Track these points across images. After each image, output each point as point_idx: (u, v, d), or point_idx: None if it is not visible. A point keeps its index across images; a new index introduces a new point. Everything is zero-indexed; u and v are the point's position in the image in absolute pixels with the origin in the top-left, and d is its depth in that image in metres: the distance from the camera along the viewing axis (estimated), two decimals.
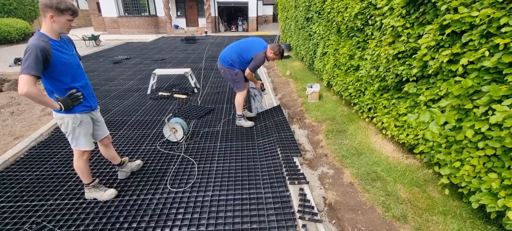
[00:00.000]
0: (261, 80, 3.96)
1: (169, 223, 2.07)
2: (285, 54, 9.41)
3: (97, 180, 2.33)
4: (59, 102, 1.80)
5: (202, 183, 2.57)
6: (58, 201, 2.30)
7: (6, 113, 4.29)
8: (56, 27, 1.73)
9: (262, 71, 7.22)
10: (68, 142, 3.34)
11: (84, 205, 2.25)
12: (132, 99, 5.01)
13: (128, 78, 6.60)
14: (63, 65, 1.80)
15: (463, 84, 1.85)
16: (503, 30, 1.61)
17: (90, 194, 2.30)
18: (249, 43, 3.51)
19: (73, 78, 1.91)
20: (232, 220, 2.11)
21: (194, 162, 2.91)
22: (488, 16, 1.68)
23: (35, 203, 2.28)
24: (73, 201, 2.31)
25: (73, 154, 3.04)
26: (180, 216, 2.14)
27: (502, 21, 1.61)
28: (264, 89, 3.98)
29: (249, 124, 3.87)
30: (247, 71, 3.52)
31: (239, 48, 3.50)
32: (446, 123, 2.04)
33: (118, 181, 2.60)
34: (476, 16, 1.74)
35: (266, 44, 3.52)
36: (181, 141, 3.34)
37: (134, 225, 2.05)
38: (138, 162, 2.80)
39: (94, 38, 12.21)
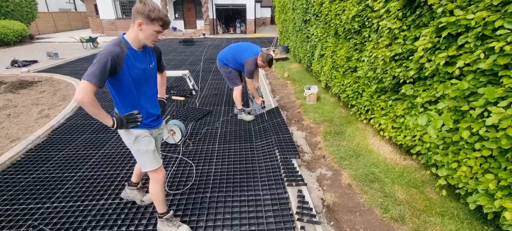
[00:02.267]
0: (262, 98, 4.12)
1: None
2: (283, 56, 9.44)
3: (171, 213, 2.01)
4: (114, 118, 1.61)
5: (201, 185, 2.56)
6: (55, 204, 2.28)
7: (2, 116, 4.26)
8: (142, 36, 1.55)
9: (260, 72, 7.22)
10: (65, 144, 3.34)
11: (81, 208, 2.24)
12: None
13: None
14: (130, 79, 1.61)
15: (459, 86, 1.87)
16: (498, 32, 1.64)
17: (162, 227, 1.98)
18: (244, 47, 3.77)
19: (138, 93, 1.70)
20: (231, 222, 2.10)
21: (193, 164, 2.91)
22: (484, 19, 1.70)
23: (31, 206, 2.27)
24: (70, 203, 2.29)
25: (70, 156, 3.06)
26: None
27: (497, 24, 1.63)
28: (264, 107, 4.10)
29: (250, 117, 4.11)
30: (248, 81, 3.87)
31: (234, 50, 3.82)
32: (443, 125, 2.05)
33: (116, 183, 2.58)
34: (472, 19, 1.76)
35: (259, 51, 3.71)
36: (179, 143, 3.33)
37: (132, 228, 2.04)
38: (148, 197, 2.32)
39: (92, 40, 12.18)
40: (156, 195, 1.89)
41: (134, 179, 2.26)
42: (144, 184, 2.46)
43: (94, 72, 1.44)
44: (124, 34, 1.58)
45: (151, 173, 1.84)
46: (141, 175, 2.24)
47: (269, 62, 3.66)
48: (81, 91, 1.44)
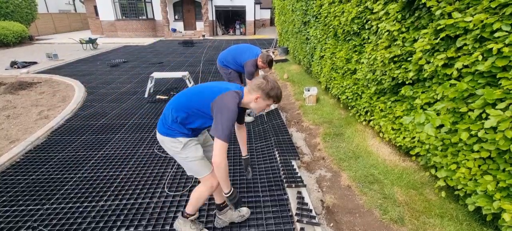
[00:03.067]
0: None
1: (167, 227, 2.05)
2: (283, 57, 9.46)
3: (197, 214, 1.93)
4: (232, 188, 1.67)
5: None
6: (55, 206, 2.28)
7: (2, 117, 4.25)
8: (254, 106, 1.63)
9: (260, 73, 7.24)
10: (65, 145, 3.34)
11: (80, 209, 2.24)
12: (129, 103, 4.99)
13: (125, 82, 6.58)
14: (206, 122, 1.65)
15: (458, 87, 1.88)
16: (496, 35, 1.65)
17: (182, 226, 1.89)
18: (244, 49, 3.80)
19: (200, 130, 1.79)
20: (230, 223, 2.10)
21: None
22: (482, 21, 1.71)
23: (31, 207, 2.26)
24: (70, 205, 2.29)
25: (69, 158, 3.05)
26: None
27: (495, 26, 1.64)
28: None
29: (249, 118, 4.16)
30: (247, 81, 3.86)
31: (234, 52, 3.85)
32: (441, 125, 2.06)
33: (115, 185, 2.58)
34: (470, 21, 1.78)
35: (259, 53, 3.75)
36: None
37: (132, 229, 2.04)
38: (245, 210, 2.16)
39: (92, 41, 12.19)
40: (200, 200, 1.80)
41: (218, 200, 2.00)
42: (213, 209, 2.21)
43: (229, 130, 1.44)
44: (241, 91, 1.61)
45: (207, 179, 1.72)
46: (219, 192, 1.94)
47: (269, 63, 3.69)
48: (221, 154, 1.44)
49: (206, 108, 1.55)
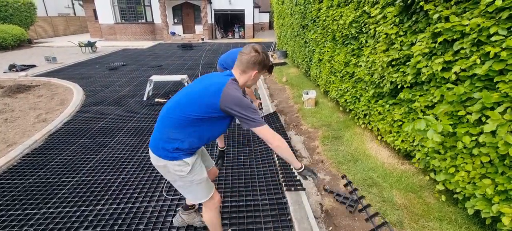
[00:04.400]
0: (260, 100, 4.17)
1: None
2: (281, 61, 9.49)
3: None
4: (303, 164, 1.53)
5: None
6: (51, 210, 2.26)
7: None
8: (251, 83, 1.51)
9: (260, 80, 7.25)
10: (62, 148, 3.32)
11: (77, 214, 2.22)
12: (128, 106, 4.98)
13: (124, 85, 6.58)
14: (222, 126, 1.47)
15: (455, 91, 1.89)
16: (493, 38, 1.66)
17: None
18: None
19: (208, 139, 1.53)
20: (229, 227, 2.09)
21: None
22: (478, 25, 1.73)
23: (27, 211, 2.24)
24: (67, 209, 2.27)
25: (67, 161, 3.04)
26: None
27: (492, 30, 1.65)
28: (262, 108, 4.17)
29: None
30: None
31: (234, 56, 3.80)
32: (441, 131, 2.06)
33: (113, 188, 2.56)
34: (467, 25, 1.79)
35: None
36: None
37: None
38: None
39: (91, 44, 12.19)
40: (214, 219, 1.67)
41: (189, 201, 1.97)
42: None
43: (257, 112, 1.36)
44: (233, 77, 1.44)
45: (206, 202, 1.59)
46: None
47: (270, 68, 3.70)
48: (273, 135, 1.37)
49: (216, 111, 1.35)
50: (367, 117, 3.45)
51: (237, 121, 4.10)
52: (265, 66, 1.50)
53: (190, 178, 1.47)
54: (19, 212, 2.23)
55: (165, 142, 1.40)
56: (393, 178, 2.62)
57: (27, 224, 2.10)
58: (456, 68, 1.89)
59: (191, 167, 1.45)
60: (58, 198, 2.41)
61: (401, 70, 2.59)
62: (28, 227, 2.07)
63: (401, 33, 2.53)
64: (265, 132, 1.36)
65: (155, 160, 1.47)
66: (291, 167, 2.07)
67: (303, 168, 1.52)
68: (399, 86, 2.71)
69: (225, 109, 1.33)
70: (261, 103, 4.21)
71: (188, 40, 18.30)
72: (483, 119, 1.75)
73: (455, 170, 2.00)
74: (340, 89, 4.08)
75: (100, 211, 2.26)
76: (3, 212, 2.23)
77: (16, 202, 2.36)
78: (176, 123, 1.38)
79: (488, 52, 1.69)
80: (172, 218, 2.12)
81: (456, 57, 1.95)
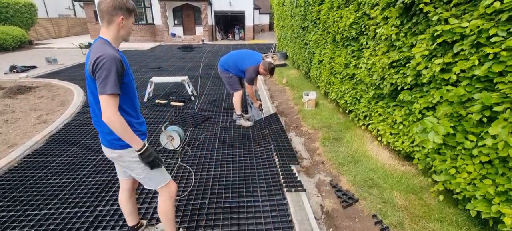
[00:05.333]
0: (260, 101, 4.23)
1: None
2: (282, 62, 9.51)
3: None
4: (145, 142, 1.45)
5: (199, 191, 2.55)
6: (52, 211, 2.26)
7: (0, 121, 4.24)
8: (123, 33, 1.40)
9: (259, 78, 7.26)
10: (63, 149, 3.32)
11: (78, 214, 2.22)
12: None
13: None
14: (132, 83, 1.45)
15: (455, 92, 1.89)
16: (492, 40, 1.67)
17: None
18: (246, 55, 3.84)
19: (136, 105, 1.53)
20: (229, 228, 2.09)
21: (191, 170, 2.90)
22: (478, 27, 1.74)
23: (28, 212, 2.25)
24: (68, 210, 2.27)
25: (68, 162, 3.04)
26: (177, 225, 2.11)
27: (491, 32, 1.66)
28: (262, 110, 4.20)
29: (249, 123, 4.12)
30: (247, 86, 3.96)
31: (236, 57, 3.86)
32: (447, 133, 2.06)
33: (114, 189, 2.56)
34: (466, 27, 1.80)
35: (261, 59, 3.80)
36: (177, 149, 3.33)
37: None
38: (162, 226, 1.93)
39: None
40: (170, 213, 1.69)
41: (130, 222, 1.89)
42: (149, 222, 2.13)
43: (114, 81, 1.25)
44: (101, 37, 1.37)
45: (164, 188, 1.62)
46: (135, 209, 1.89)
47: (271, 71, 3.74)
48: (109, 108, 1.27)
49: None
50: (367, 118, 3.46)
51: (238, 122, 4.12)
52: (128, 9, 1.36)
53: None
54: (20, 213, 2.24)
55: (108, 134, 1.43)
56: (393, 179, 2.63)
57: (28, 225, 2.10)
58: (456, 70, 1.90)
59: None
60: (59, 199, 2.41)
61: (401, 71, 2.60)
62: (29, 228, 2.07)
63: (401, 35, 2.54)
64: (104, 101, 1.27)
65: (109, 152, 1.49)
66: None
67: (143, 149, 1.40)
68: (399, 88, 2.72)
69: (94, 71, 1.27)
70: (261, 105, 4.25)
71: (189, 41, 18.33)
72: (485, 119, 1.76)
73: (456, 171, 2.01)
74: (340, 91, 4.09)
75: (101, 212, 2.26)
76: (4, 213, 2.23)
77: (17, 203, 2.36)
78: (97, 103, 1.38)
79: (488, 54, 1.70)
80: None
81: (456, 59, 1.96)
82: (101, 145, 1.53)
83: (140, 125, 1.54)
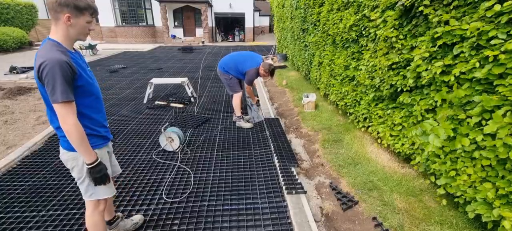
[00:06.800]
0: (257, 97, 4.23)
1: None
2: (281, 64, 9.52)
3: None
4: (97, 156, 1.40)
5: (199, 193, 2.54)
6: (51, 212, 2.25)
7: None
8: (73, 32, 1.31)
9: (258, 80, 7.26)
10: None
11: (77, 216, 2.21)
12: (128, 108, 4.98)
13: (124, 87, 6.58)
14: (89, 86, 1.40)
15: (455, 94, 1.89)
16: (492, 42, 1.67)
17: None
18: (246, 57, 3.84)
19: (98, 108, 1.48)
20: (229, 230, 2.08)
21: (190, 172, 2.89)
22: (478, 29, 1.74)
23: (26, 214, 2.23)
24: (66, 211, 2.26)
25: None
26: (175, 227, 2.11)
27: (491, 34, 1.66)
28: (259, 105, 4.24)
29: (248, 125, 4.10)
30: (246, 86, 3.98)
31: (236, 59, 3.87)
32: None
33: None
34: (466, 29, 1.80)
35: (261, 61, 3.80)
36: (177, 151, 3.32)
37: None
38: (138, 218, 2.09)
39: (91, 47, 12.23)
40: (98, 226, 1.59)
41: (107, 217, 1.88)
42: (128, 214, 2.16)
43: (61, 88, 1.19)
44: (49, 38, 1.30)
45: (96, 201, 1.54)
46: (111, 205, 1.89)
47: (271, 72, 3.76)
48: (67, 115, 1.22)
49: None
50: (367, 120, 3.45)
51: (238, 123, 4.12)
52: (77, 7, 1.26)
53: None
54: (18, 214, 2.22)
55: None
56: (393, 182, 2.62)
57: (26, 227, 2.09)
58: (455, 72, 1.90)
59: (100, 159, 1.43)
60: (58, 201, 2.40)
61: (401, 73, 2.60)
62: (27, 230, 2.06)
63: (401, 37, 2.54)
64: (60, 111, 1.22)
65: (65, 155, 1.44)
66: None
67: (95, 163, 1.36)
68: (398, 90, 2.71)
69: (41, 79, 1.21)
70: (258, 100, 4.26)
71: (189, 43, 18.36)
72: (483, 122, 1.75)
73: (456, 173, 2.00)
74: (340, 93, 4.08)
75: None
76: (2, 215, 2.22)
77: (15, 204, 2.35)
78: (51, 110, 1.34)
79: (488, 56, 1.69)
80: None
81: (456, 61, 1.96)
82: (60, 148, 1.47)
83: (102, 128, 1.51)
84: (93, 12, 1.35)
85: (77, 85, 1.31)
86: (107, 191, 1.54)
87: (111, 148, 1.70)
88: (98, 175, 1.39)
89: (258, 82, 7.13)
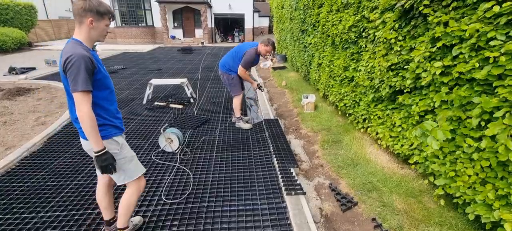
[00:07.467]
0: (257, 81, 4.07)
1: None
2: (281, 65, 9.52)
3: (130, 226, 1.91)
4: (104, 146, 1.49)
5: (198, 194, 2.54)
6: (49, 213, 2.24)
7: None
8: (95, 34, 1.49)
9: (258, 79, 7.25)
10: (61, 151, 3.30)
11: (76, 217, 2.20)
12: (127, 109, 4.98)
13: (124, 88, 6.58)
14: (106, 80, 1.54)
15: (455, 94, 1.89)
16: (491, 43, 1.67)
17: None
18: (241, 46, 3.79)
19: (112, 100, 1.63)
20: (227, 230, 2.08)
21: (190, 173, 2.89)
22: (477, 30, 1.74)
23: (25, 215, 2.22)
24: (65, 213, 2.25)
25: (67, 164, 3.02)
26: (175, 228, 2.10)
27: (490, 35, 1.67)
28: (262, 88, 4.09)
29: (248, 126, 4.07)
30: (240, 68, 3.70)
31: (233, 52, 3.81)
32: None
33: None
34: (465, 30, 1.80)
35: (258, 44, 3.69)
36: (176, 151, 3.32)
37: None
38: (137, 219, 2.12)
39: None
40: (132, 206, 1.77)
41: (106, 216, 1.92)
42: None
43: (85, 78, 1.34)
44: (73, 38, 1.47)
45: (135, 181, 1.72)
46: (112, 203, 1.94)
47: (273, 45, 3.60)
48: (82, 104, 1.35)
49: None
50: (366, 121, 3.46)
51: (237, 124, 4.11)
52: (99, 12, 1.45)
53: (122, 155, 1.62)
54: (16, 215, 2.22)
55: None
56: (392, 183, 2.62)
57: (25, 228, 2.08)
58: (455, 73, 1.90)
59: (120, 146, 1.61)
60: (57, 202, 2.39)
61: (400, 74, 2.60)
62: None
63: (400, 38, 2.54)
64: (78, 98, 1.36)
65: (88, 145, 1.56)
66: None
67: (101, 152, 1.46)
68: (397, 91, 2.72)
69: (65, 70, 1.36)
70: (259, 84, 4.10)
71: (188, 44, 18.36)
72: (483, 123, 1.75)
73: (455, 174, 2.00)
74: (340, 94, 4.09)
75: (98, 214, 2.24)
76: (1, 216, 2.21)
77: (13, 205, 2.34)
78: (72, 100, 1.47)
79: (487, 57, 1.70)
80: None
81: (455, 62, 1.96)
82: (81, 139, 1.63)
83: (116, 119, 1.64)
84: (111, 16, 1.54)
85: (96, 78, 1.47)
86: (138, 169, 1.75)
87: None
88: (104, 163, 1.49)
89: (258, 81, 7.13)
